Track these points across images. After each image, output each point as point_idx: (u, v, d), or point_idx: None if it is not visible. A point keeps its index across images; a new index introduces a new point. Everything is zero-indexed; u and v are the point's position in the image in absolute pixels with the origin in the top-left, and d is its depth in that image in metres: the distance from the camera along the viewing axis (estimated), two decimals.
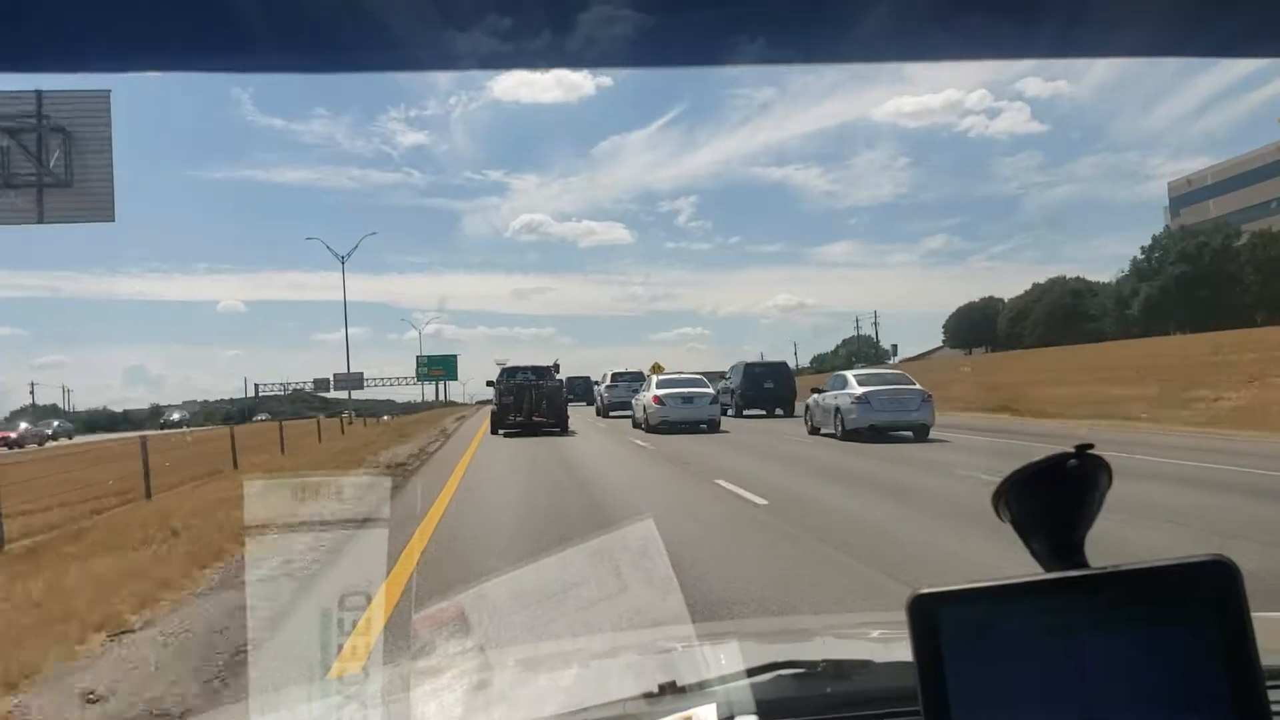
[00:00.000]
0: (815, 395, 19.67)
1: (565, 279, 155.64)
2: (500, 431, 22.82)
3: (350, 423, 35.28)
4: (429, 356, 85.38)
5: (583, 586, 1.24)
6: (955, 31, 0.65)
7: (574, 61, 0.70)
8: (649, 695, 1.11)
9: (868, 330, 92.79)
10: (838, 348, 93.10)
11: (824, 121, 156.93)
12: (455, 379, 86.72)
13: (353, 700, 1.24)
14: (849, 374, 18.82)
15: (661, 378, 24.80)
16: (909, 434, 17.07)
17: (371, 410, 79.63)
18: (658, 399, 22.37)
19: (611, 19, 0.69)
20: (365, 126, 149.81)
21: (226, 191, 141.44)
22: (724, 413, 28.80)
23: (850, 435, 16.99)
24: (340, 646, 1.26)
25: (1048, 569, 0.81)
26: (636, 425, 23.94)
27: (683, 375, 26.29)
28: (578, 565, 1.26)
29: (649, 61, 0.70)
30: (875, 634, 1.76)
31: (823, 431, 18.71)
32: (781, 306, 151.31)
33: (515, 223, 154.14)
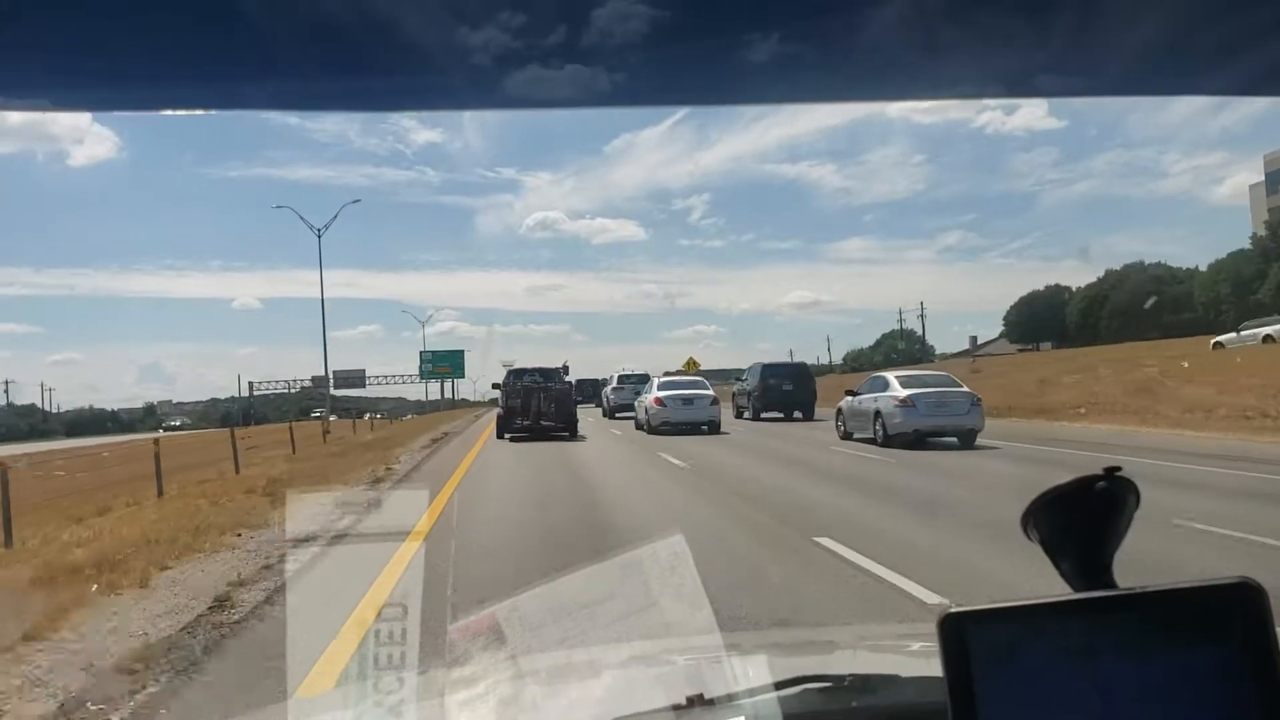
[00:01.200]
0: (849, 398, 19.40)
1: (578, 276, 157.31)
2: (506, 436, 22.40)
3: (328, 430, 30.37)
4: (433, 353, 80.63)
5: (613, 600, 1.30)
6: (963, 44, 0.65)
7: (587, 58, 0.71)
8: (677, 707, 1.14)
9: (885, 328, 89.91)
10: (878, 342, 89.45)
11: (838, 117, 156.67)
12: (463, 376, 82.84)
13: (389, 707, 1.29)
14: (890, 375, 18.53)
15: (663, 380, 26.17)
16: (954, 440, 16.70)
17: (373, 408, 78.36)
18: (659, 401, 23.43)
19: (625, 15, 0.70)
20: (378, 124, 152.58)
21: (240, 189, 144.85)
22: (739, 416, 29.39)
23: (891, 441, 16.57)
24: (377, 656, 1.32)
25: (1076, 589, 0.84)
26: (639, 427, 24.68)
27: (684, 377, 28.27)
28: (608, 579, 1.31)
29: (662, 60, 0.71)
30: (901, 649, 1.81)
31: (856, 437, 18.36)
32: (796, 304, 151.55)
33: (529, 220, 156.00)
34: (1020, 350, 68.82)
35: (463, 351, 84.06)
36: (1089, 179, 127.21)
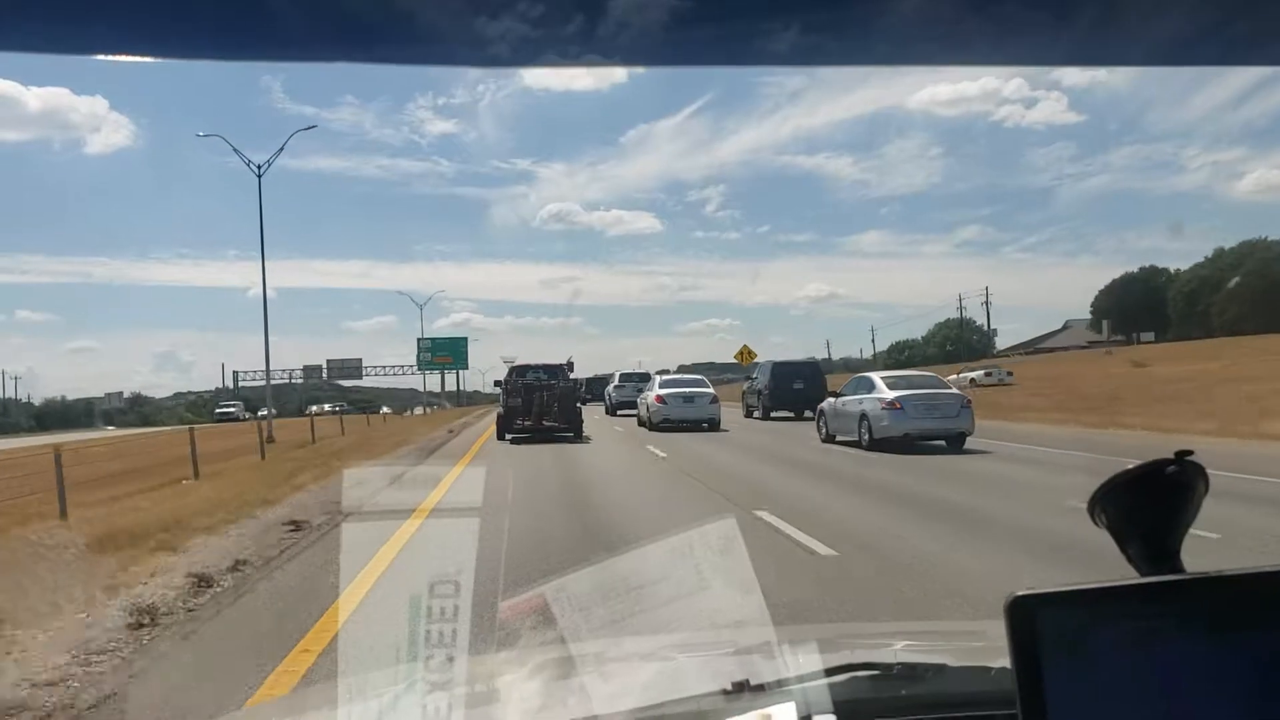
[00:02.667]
0: (831, 399, 19.33)
1: (592, 269, 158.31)
2: (507, 437, 21.93)
3: (270, 440, 22.79)
4: (432, 340, 72.46)
5: (663, 583, 1.32)
6: (984, 32, 0.67)
7: (605, 50, 0.73)
8: (727, 692, 1.16)
9: (943, 319, 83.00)
10: (931, 334, 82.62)
11: (856, 110, 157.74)
12: (466, 367, 75.30)
13: (437, 686, 1.30)
14: (875, 376, 18.37)
15: (664, 378, 27.36)
16: (942, 444, 16.71)
17: (387, 401, 73.19)
18: (660, 398, 24.33)
19: (644, 4, 0.72)
20: (394, 115, 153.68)
21: (255, 178, 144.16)
22: (749, 415, 29.77)
23: (877, 445, 16.46)
24: (428, 633, 1.33)
25: (1143, 574, 0.84)
26: (641, 424, 25.55)
27: (684, 376, 29.43)
28: (658, 561, 1.33)
29: (681, 48, 0.73)
30: (950, 639, 1.85)
31: (839, 439, 18.24)
32: (812, 297, 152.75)
33: (543, 212, 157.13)
34: (1109, 343, 60.51)
35: (465, 339, 76.66)
36: (1107, 173, 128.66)
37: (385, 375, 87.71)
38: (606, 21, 0.71)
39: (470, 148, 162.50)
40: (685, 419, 23.71)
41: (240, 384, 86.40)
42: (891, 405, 16.64)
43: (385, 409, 67.21)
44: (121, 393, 78.50)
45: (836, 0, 0.67)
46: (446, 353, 72.72)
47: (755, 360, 33.43)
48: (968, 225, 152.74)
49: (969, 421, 16.74)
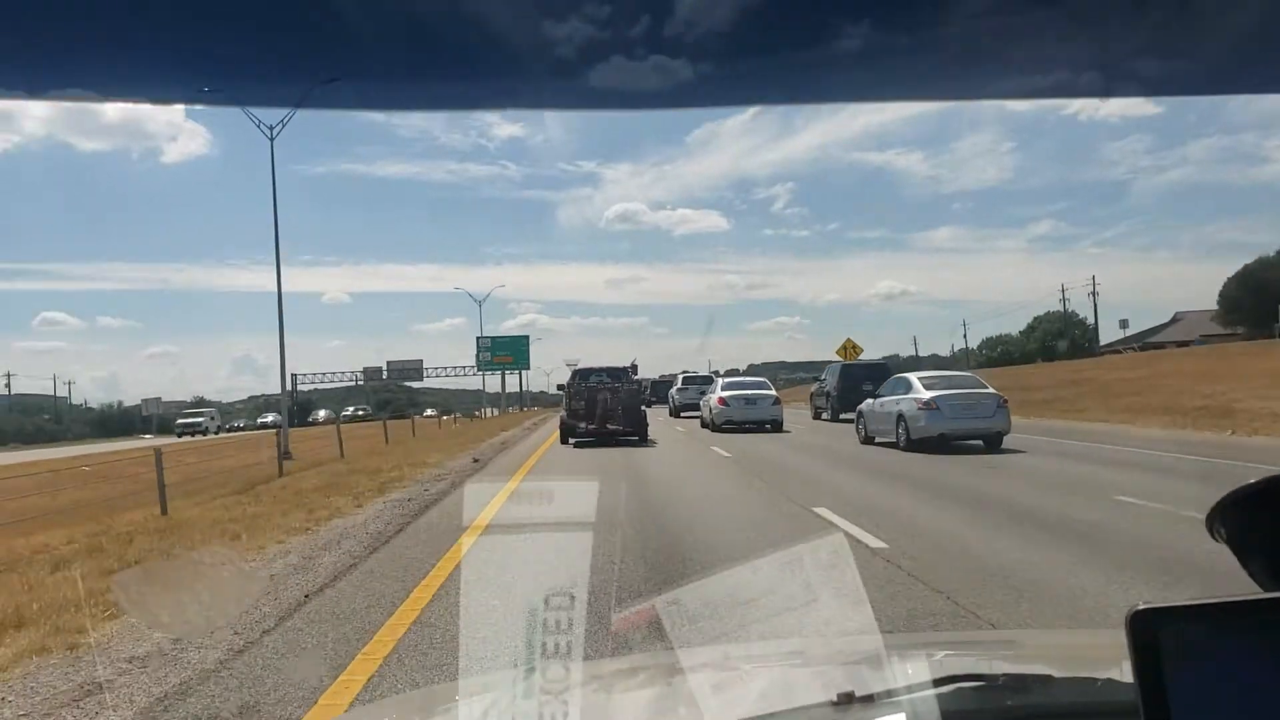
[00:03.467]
0: (870, 400, 19.38)
1: (658, 268, 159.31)
2: (571, 441, 21.45)
3: (287, 457, 19.12)
4: (492, 339, 69.71)
5: (772, 596, 1.34)
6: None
7: (671, 49, 0.73)
8: (834, 703, 1.17)
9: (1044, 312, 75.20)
10: (1030, 327, 75.33)
11: (927, 105, 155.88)
12: (527, 367, 72.25)
13: (552, 693, 1.33)
14: (913, 376, 18.37)
15: (726, 380, 28.18)
16: (979, 444, 16.68)
17: (453, 404, 70.12)
18: (722, 400, 25.00)
19: (710, 3, 0.73)
20: (462, 120, 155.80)
21: (328, 186, 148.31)
22: (817, 417, 30.11)
23: (915, 446, 16.51)
24: (544, 644, 1.37)
25: (1266, 589, 0.83)
26: (704, 425, 26.25)
27: (746, 379, 30.14)
28: (768, 574, 1.36)
29: (748, 47, 0.73)
30: (1054, 648, 1.88)
31: (878, 441, 18.29)
32: (883, 294, 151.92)
33: (609, 212, 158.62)
34: (1237, 336, 52.72)
35: (526, 338, 73.47)
36: (1185, 166, 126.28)
37: (446, 377, 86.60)
38: (674, 20, 0.72)
39: (537, 151, 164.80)
40: (748, 420, 24.34)
41: (298, 386, 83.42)
42: (928, 405, 16.62)
43: (430, 410, 65.87)
44: (159, 398, 78.45)
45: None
46: (507, 352, 70.17)
47: (860, 354, 33.47)
48: (1042, 220, 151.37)
49: (1005, 421, 16.68)
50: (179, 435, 56.12)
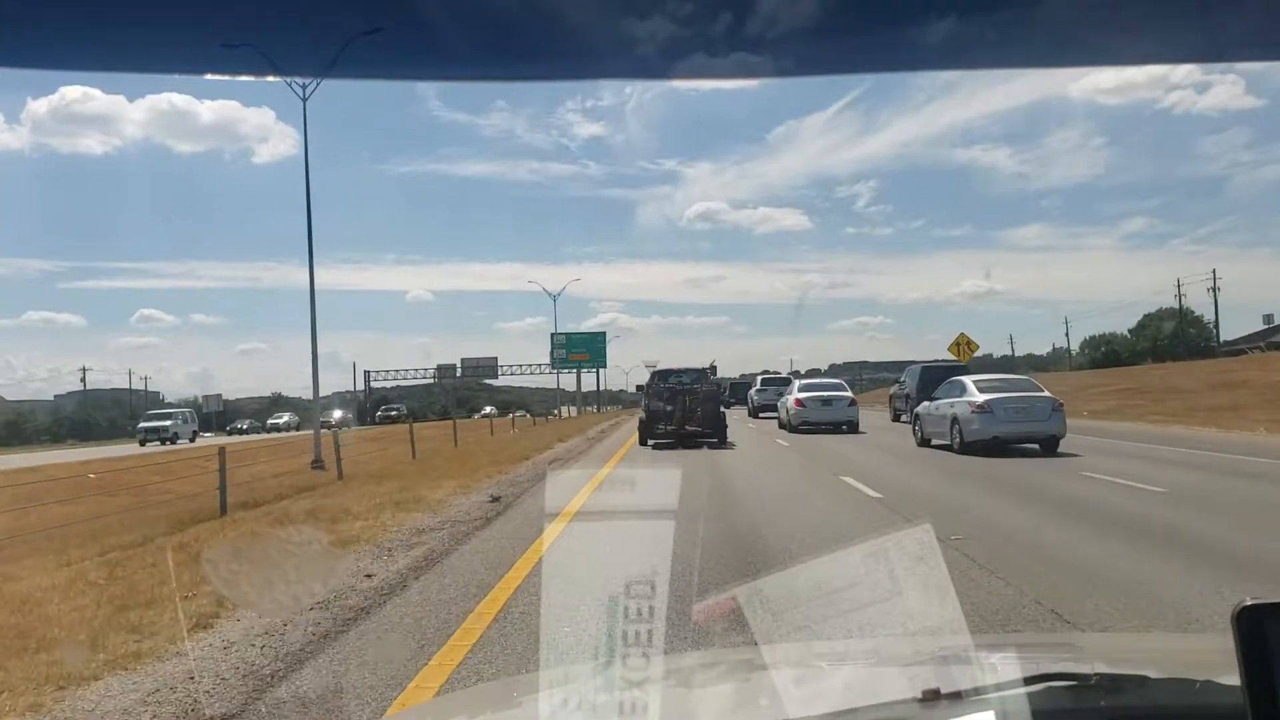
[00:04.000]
0: (926, 403, 19.24)
1: (739, 267, 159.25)
2: (650, 443, 21.02)
3: (322, 468, 17.48)
4: (567, 335, 66.11)
5: (856, 588, 1.32)
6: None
7: (753, 45, 0.74)
8: (920, 700, 1.15)
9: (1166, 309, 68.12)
10: (1141, 325, 70.02)
11: (1014, 100, 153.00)
12: (604, 365, 68.77)
13: (635, 684, 1.33)
14: (968, 379, 18.16)
15: (803, 382, 29.12)
16: (1035, 447, 16.40)
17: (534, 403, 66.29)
18: (799, 401, 25.65)
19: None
20: (544, 119, 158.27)
21: (413, 185, 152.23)
22: (897, 419, 29.34)
23: (968, 448, 16.32)
24: (624, 633, 1.36)
25: None
26: (781, 426, 26.83)
27: (822, 380, 31.05)
28: (852, 567, 1.34)
29: (830, 45, 0.74)
30: (1149, 649, 1.82)
31: (934, 443, 18.14)
32: (969, 293, 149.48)
33: (689, 211, 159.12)
34: None
35: (603, 334, 70.47)
36: None
37: (522, 374, 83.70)
38: (755, 19, 0.73)
39: (618, 149, 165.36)
40: (823, 421, 24.88)
41: (372, 383, 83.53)
42: (981, 408, 16.41)
43: (489, 409, 63.85)
44: (220, 395, 78.38)
45: None
46: (582, 349, 67.00)
47: (975, 353, 33.13)
48: (1134, 217, 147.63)
49: (1060, 424, 16.40)
50: (141, 443, 43.61)
